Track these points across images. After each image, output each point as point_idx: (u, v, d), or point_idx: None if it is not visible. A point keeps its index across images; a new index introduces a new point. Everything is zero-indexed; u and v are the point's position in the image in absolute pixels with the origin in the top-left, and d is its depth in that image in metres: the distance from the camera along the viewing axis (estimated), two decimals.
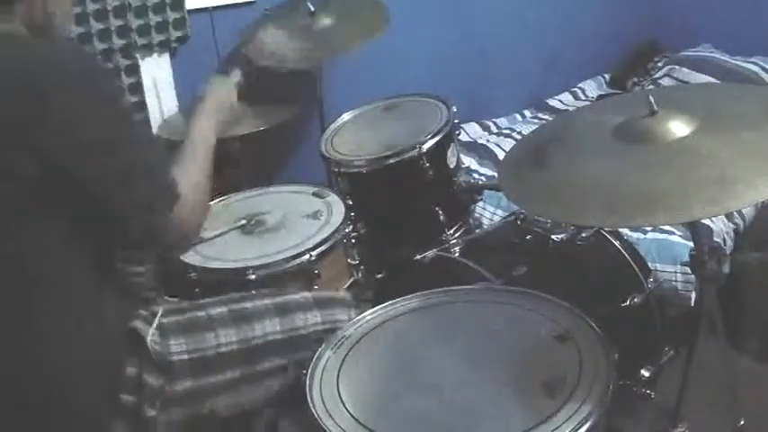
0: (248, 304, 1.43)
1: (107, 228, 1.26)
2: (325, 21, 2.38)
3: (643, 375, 1.69)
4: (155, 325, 1.30)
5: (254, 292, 1.52)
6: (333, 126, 2.23)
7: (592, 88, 3.52)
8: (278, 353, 1.39)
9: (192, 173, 1.39)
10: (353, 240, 1.84)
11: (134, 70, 2.34)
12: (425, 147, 1.95)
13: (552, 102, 3.41)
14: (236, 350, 1.36)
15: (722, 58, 3.22)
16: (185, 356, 1.31)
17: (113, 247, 1.36)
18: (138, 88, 2.36)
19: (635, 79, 3.49)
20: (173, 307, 1.41)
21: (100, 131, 1.17)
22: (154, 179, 1.27)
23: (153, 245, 1.49)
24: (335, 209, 1.83)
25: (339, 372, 1.27)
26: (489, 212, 2.48)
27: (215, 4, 2.46)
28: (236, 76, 1.80)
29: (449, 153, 2.03)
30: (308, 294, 1.51)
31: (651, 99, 1.24)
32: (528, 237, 1.85)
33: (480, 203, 2.32)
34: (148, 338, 1.27)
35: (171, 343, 1.31)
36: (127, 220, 1.25)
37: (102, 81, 1.26)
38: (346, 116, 2.26)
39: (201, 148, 1.46)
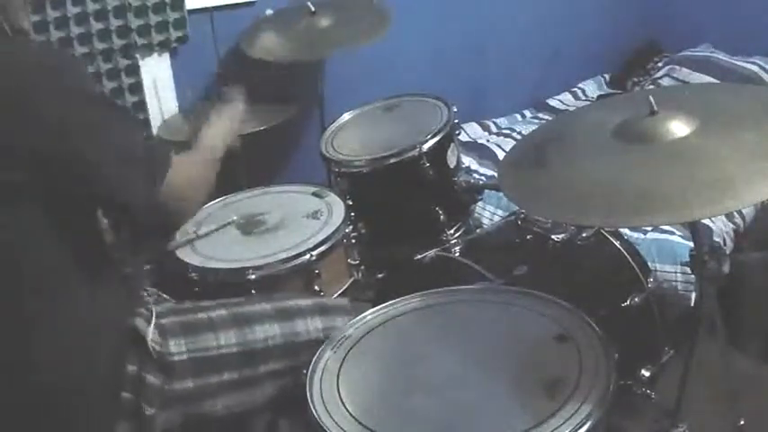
0: (249, 308, 1.43)
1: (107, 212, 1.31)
2: (325, 22, 2.38)
3: (643, 375, 1.68)
4: (153, 324, 1.30)
5: (254, 294, 1.51)
6: (333, 126, 2.23)
7: (592, 88, 3.51)
8: (277, 357, 1.39)
9: (187, 167, 1.37)
10: (353, 240, 1.84)
11: (134, 70, 2.34)
12: (425, 147, 1.95)
13: (552, 102, 3.41)
14: (236, 352, 1.36)
15: (722, 58, 3.21)
16: (185, 357, 1.31)
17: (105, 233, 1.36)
18: (138, 88, 2.36)
19: (635, 79, 3.49)
20: (173, 307, 1.41)
21: (85, 115, 1.19)
22: (146, 150, 1.29)
23: (155, 214, 1.35)
24: (335, 209, 1.83)
25: (339, 372, 1.27)
26: (489, 212, 2.48)
27: (215, 4, 2.46)
28: (240, 101, 1.82)
29: (449, 153, 2.03)
30: (309, 301, 1.50)
31: (651, 99, 1.24)
32: (528, 237, 1.85)
33: (480, 203, 2.32)
34: (148, 338, 1.27)
35: (171, 343, 1.31)
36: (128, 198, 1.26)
37: (78, 72, 1.29)
38: (346, 116, 2.26)
39: (205, 154, 1.49)
